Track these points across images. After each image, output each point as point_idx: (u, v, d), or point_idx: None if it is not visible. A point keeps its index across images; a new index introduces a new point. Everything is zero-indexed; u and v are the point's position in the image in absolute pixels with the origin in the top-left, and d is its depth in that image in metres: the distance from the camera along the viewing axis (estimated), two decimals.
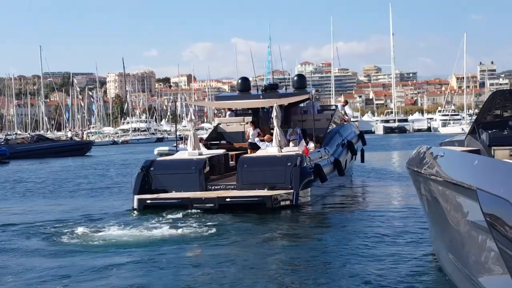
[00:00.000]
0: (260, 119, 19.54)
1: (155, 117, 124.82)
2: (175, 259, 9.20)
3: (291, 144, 17.29)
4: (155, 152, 43.06)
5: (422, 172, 6.83)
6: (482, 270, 5.04)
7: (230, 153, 17.80)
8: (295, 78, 21.07)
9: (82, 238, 11.05)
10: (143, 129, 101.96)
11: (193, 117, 18.12)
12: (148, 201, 14.48)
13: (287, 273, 8.21)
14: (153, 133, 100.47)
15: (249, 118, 19.82)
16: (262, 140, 17.53)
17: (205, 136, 20.98)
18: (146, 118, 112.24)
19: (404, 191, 16.80)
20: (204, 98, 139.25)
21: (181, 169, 15.29)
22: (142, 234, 11.21)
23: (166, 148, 43.22)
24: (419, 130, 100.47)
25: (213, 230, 11.43)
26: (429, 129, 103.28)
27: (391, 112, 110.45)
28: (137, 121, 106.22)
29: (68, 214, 14.72)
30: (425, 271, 7.91)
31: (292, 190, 14.22)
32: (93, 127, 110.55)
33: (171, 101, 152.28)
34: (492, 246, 4.53)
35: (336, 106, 24.06)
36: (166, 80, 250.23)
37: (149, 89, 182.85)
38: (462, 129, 72.60)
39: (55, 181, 25.91)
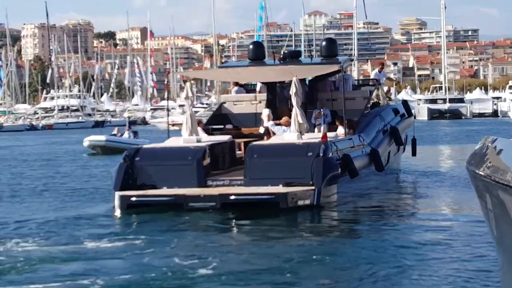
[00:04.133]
0: (277, 97, 20.82)
1: (93, 91, 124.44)
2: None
3: (316, 129, 19.00)
4: (85, 143, 41.90)
5: (489, 176, 6.89)
6: None
7: (238, 140, 19.33)
8: (324, 43, 22.42)
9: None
10: (74, 107, 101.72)
11: (190, 94, 19.44)
12: (133, 199, 16.12)
13: None
14: (89, 114, 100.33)
15: (264, 96, 21.15)
16: (278, 124, 18.98)
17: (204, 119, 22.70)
18: (79, 91, 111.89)
19: (464, 201, 17.37)
20: (166, 63, 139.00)
21: (174, 159, 16.84)
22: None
23: (103, 137, 41.98)
24: (481, 115, 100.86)
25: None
26: (495, 113, 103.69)
27: (440, 88, 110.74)
28: (66, 96, 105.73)
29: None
30: None
31: (313, 187, 15.66)
32: (1, 104, 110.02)
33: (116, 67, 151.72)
34: None
35: (377, 80, 24.36)
36: (110, 36, 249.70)
37: (85, 48, 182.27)
38: None
39: None
